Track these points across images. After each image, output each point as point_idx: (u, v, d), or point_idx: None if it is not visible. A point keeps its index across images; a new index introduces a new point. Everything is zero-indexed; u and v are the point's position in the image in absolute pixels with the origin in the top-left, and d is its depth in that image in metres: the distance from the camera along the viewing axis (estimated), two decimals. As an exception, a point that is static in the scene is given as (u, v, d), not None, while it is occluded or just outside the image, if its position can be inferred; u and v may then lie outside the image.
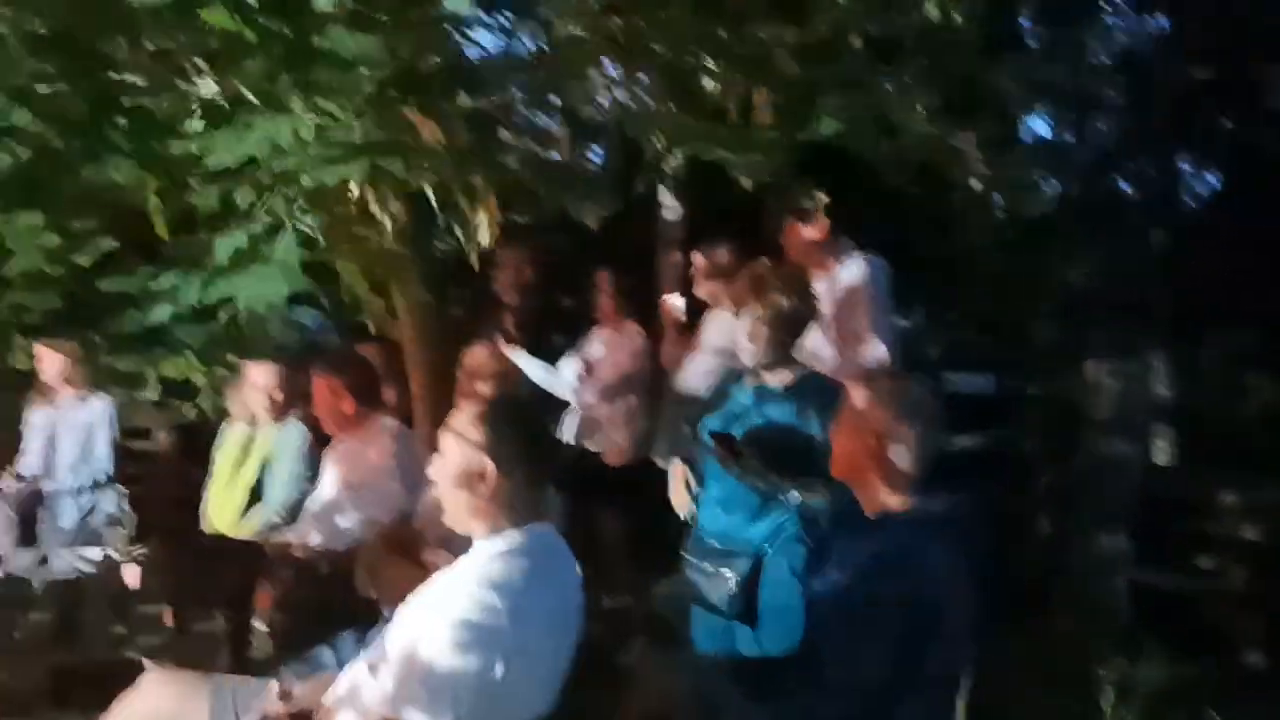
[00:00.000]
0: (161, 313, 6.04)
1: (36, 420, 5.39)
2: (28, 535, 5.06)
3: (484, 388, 2.94)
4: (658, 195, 6.89)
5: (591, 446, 5.01)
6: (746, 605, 3.05)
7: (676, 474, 3.19)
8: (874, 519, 2.49)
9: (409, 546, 2.99)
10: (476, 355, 3.41)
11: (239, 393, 4.68)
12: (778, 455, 3.06)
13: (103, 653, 2.84)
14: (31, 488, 5.17)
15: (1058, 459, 5.89)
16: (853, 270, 3.98)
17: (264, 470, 4.57)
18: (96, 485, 5.25)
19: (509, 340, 4.93)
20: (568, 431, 5.04)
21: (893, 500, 2.47)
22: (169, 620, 3.17)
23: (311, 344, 7.36)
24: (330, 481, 4.23)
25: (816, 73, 3.04)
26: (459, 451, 2.22)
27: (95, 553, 3.74)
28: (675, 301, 4.80)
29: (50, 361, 5.28)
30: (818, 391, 3.12)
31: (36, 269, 5.57)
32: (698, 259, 4.70)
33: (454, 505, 2.25)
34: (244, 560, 3.42)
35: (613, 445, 4.96)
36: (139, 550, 3.53)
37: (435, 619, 2.08)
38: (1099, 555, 5.15)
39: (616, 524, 4.98)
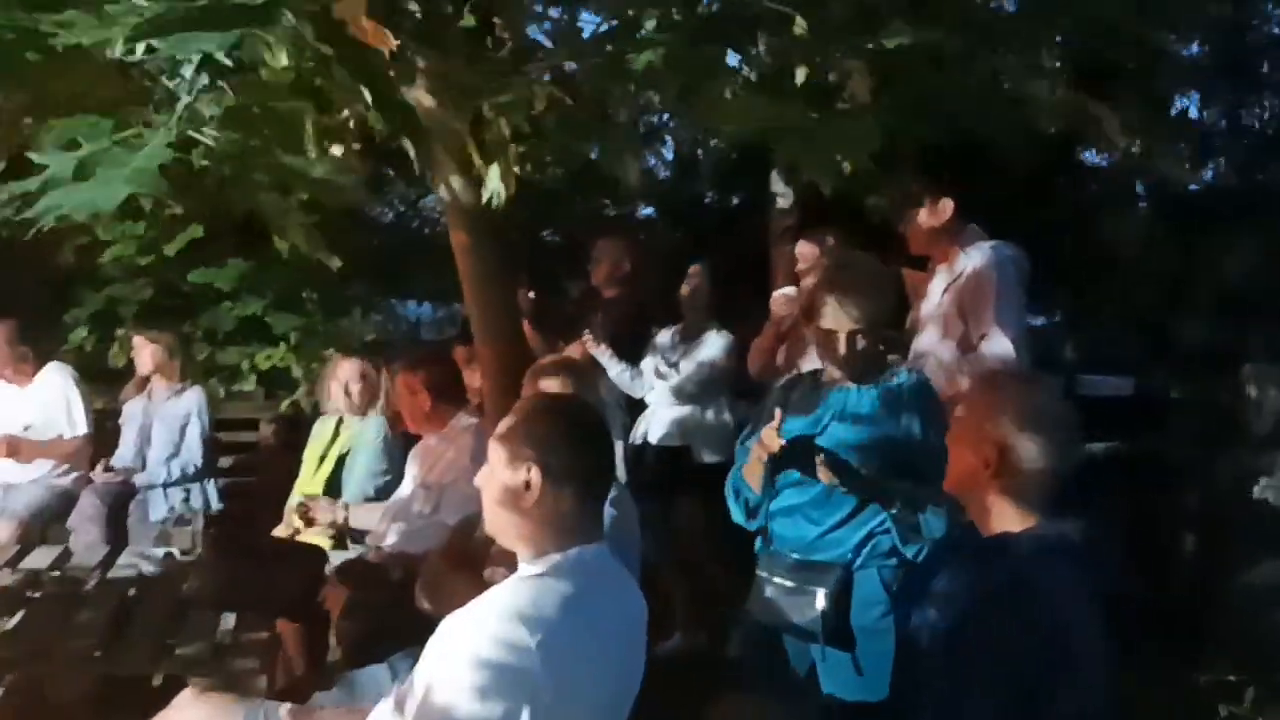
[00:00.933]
0: (254, 304, 6.04)
1: (130, 412, 5.34)
2: (119, 528, 5.05)
3: (545, 386, 2.64)
4: (769, 183, 6.56)
5: (674, 442, 4.73)
6: (839, 625, 2.69)
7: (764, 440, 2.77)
8: (990, 541, 2.11)
9: (472, 559, 2.70)
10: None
11: (326, 385, 4.53)
12: (868, 462, 2.69)
13: (148, 663, 2.61)
14: (123, 479, 5.12)
15: (1206, 473, 5.30)
16: (976, 258, 3.57)
17: (343, 464, 4.41)
18: (187, 478, 5.17)
19: (595, 336, 4.66)
20: (647, 430, 4.74)
21: (1013, 520, 2.09)
22: (223, 629, 2.93)
23: (413, 338, 7.28)
24: (409, 480, 4.03)
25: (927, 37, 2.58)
26: (504, 458, 1.93)
27: (158, 551, 3.57)
28: (788, 294, 4.42)
29: (147, 353, 5.21)
30: (916, 392, 2.74)
31: (129, 258, 5.57)
32: (802, 249, 4.34)
33: (498, 522, 1.97)
34: (307, 565, 3.20)
35: (700, 443, 4.68)
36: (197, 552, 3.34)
37: (454, 655, 1.79)
38: (1258, 586, 4.59)
39: (708, 532, 4.67)
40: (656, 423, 4.77)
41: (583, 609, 1.84)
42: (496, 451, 1.95)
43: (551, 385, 2.67)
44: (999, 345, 3.48)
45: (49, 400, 5.29)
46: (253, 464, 6.45)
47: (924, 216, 3.62)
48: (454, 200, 2.94)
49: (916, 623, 2.26)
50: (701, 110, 2.41)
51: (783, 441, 2.64)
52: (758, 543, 2.89)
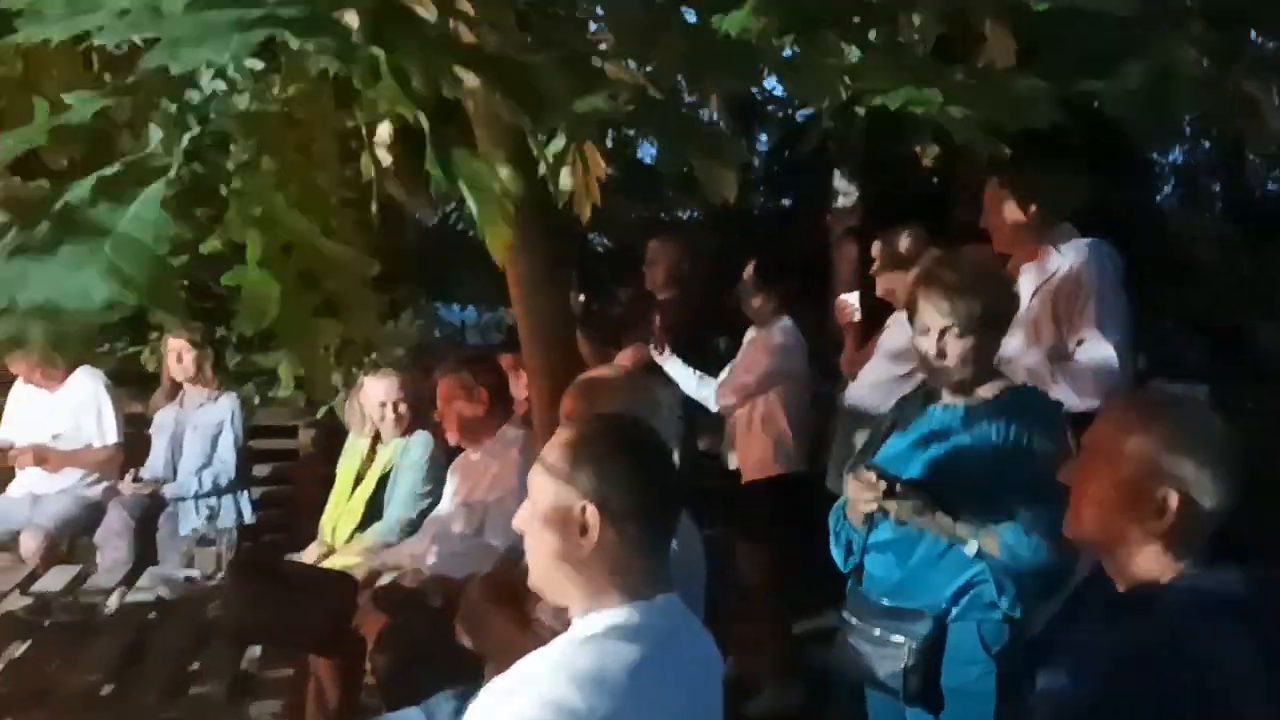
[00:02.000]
0: (291, 308, 5.73)
1: (161, 421, 5.11)
2: (148, 543, 4.81)
3: (598, 404, 2.34)
4: (831, 180, 6.24)
5: (730, 462, 4.39)
6: (926, 684, 2.35)
7: (859, 486, 2.43)
8: (1134, 595, 1.78)
9: (517, 593, 2.41)
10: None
11: (357, 405, 4.23)
12: (965, 496, 2.35)
13: (159, 705, 2.34)
14: (152, 491, 4.89)
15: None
16: (1071, 256, 3.23)
17: (385, 484, 4.13)
18: (220, 490, 4.93)
19: (660, 342, 4.35)
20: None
21: (1163, 568, 1.75)
22: (248, 660, 2.65)
23: (458, 344, 7.01)
24: (449, 496, 3.75)
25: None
26: (551, 494, 1.62)
27: (179, 574, 3.31)
28: (850, 300, 4.09)
29: (179, 358, 4.96)
30: (1031, 411, 2.40)
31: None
32: (876, 249, 4.01)
33: (545, 571, 1.65)
34: (338, 594, 2.92)
35: (750, 458, 4.32)
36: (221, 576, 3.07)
37: (503, 722, 1.49)
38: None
39: (755, 556, 4.34)
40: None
41: (653, 674, 1.53)
42: (542, 485, 1.64)
43: (602, 402, 2.37)
44: (1100, 352, 3.14)
45: (79, 407, 5.07)
46: (291, 473, 6.22)
47: (1009, 211, 3.28)
48: (500, 194, 2.63)
49: (1030, 688, 1.93)
50: (819, 77, 2.05)
51: (875, 487, 2.33)
52: (849, 581, 2.56)
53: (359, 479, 4.19)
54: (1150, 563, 1.76)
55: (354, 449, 4.30)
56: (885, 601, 2.41)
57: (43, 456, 4.96)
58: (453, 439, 3.73)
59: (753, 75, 2.51)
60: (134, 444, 5.19)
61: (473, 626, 2.44)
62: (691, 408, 4.51)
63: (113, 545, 4.70)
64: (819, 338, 4.82)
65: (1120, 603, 1.79)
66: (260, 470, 6.94)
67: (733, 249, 5.78)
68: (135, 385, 5.79)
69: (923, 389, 2.58)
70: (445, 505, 3.75)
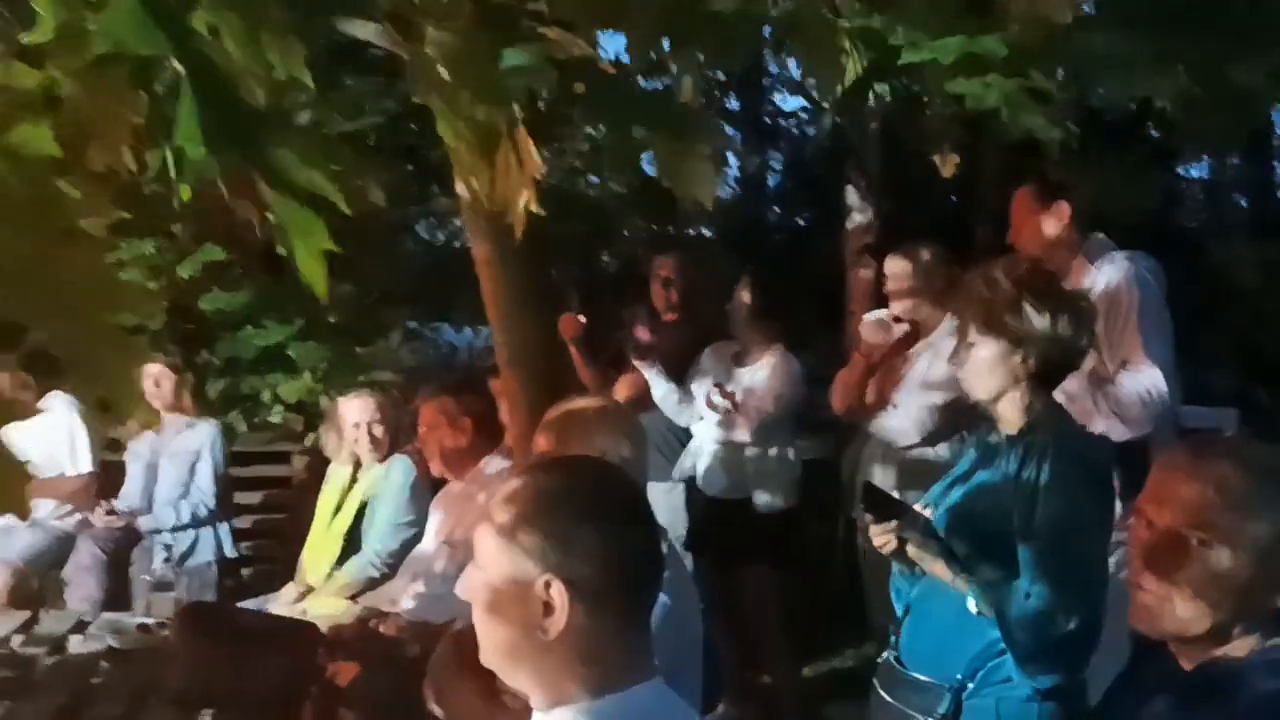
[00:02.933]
0: (277, 332, 5.54)
1: (137, 448, 4.84)
2: (121, 579, 4.55)
3: (576, 441, 2.05)
4: (844, 196, 5.96)
5: (734, 494, 4.07)
6: None
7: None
8: (1197, 672, 1.49)
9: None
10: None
11: (334, 431, 3.96)
12: (982, 543, 2.06)
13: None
14: (125, 523, 4.61)
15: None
16: (1110, 273, 2.95)
17: (364, 515, 3.86)
18: (198, 522, 4.66)
19: (641, 354, 4.06)
20: (704, 472, 4.12)
21: (1236, 640, 1.46)
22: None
23: (445, 368, 6.74)
24: (432, 533, 3.47)
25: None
26: (505, 564, 1.32)
27: (131, 621, 3.04)
28: (881, 318, 3.74)
29: (165, 384, 4.70)
30: (1065, 443, 2.10)
31: (138, 281, 5.08)
32: (894, 266, 3.71)
33: (499, 654, 1.34)
34: (296, 648, 2.63)
35: (765, 493, 4.01)
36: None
37: None
38: None
39: (770, 594, 4.04)
40: (709, 465, 4.15)
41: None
42: (493, 551, 1.34)
43: (581, 439, 2.09)
44: (1147, 377, 2.85)
45: (51, 433, 4.81)
46: (283, 500, 5.95)
47: (1045, 222, 3.01)
48: (473, 202, 2.37)
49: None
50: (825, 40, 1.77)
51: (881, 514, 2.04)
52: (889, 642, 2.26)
53: (338, 509, 3.93)
54: (1222, 633, 1.47)
55: (335, 477, 4.03)
56: (911, 671, 2.11)
57: (13, 486, 4.69)
58: (435, 469, 3.46)
59: (749, 47, 2.22)
60: (113, 473, 4.94)
61: (439, 692, 2.15)
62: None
63: (82, 581, 4.43)
64: (833, 362, 4.53)
65: (1186, 684, 1.50)
66: (251, 498, 6.72)
67: (741, 269, 5.51)
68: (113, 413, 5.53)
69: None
70: (427, 542, 3.48)
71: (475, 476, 3.36)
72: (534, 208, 1.80)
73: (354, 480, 3.96)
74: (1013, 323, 2.09)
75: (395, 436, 3.88)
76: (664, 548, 2.17)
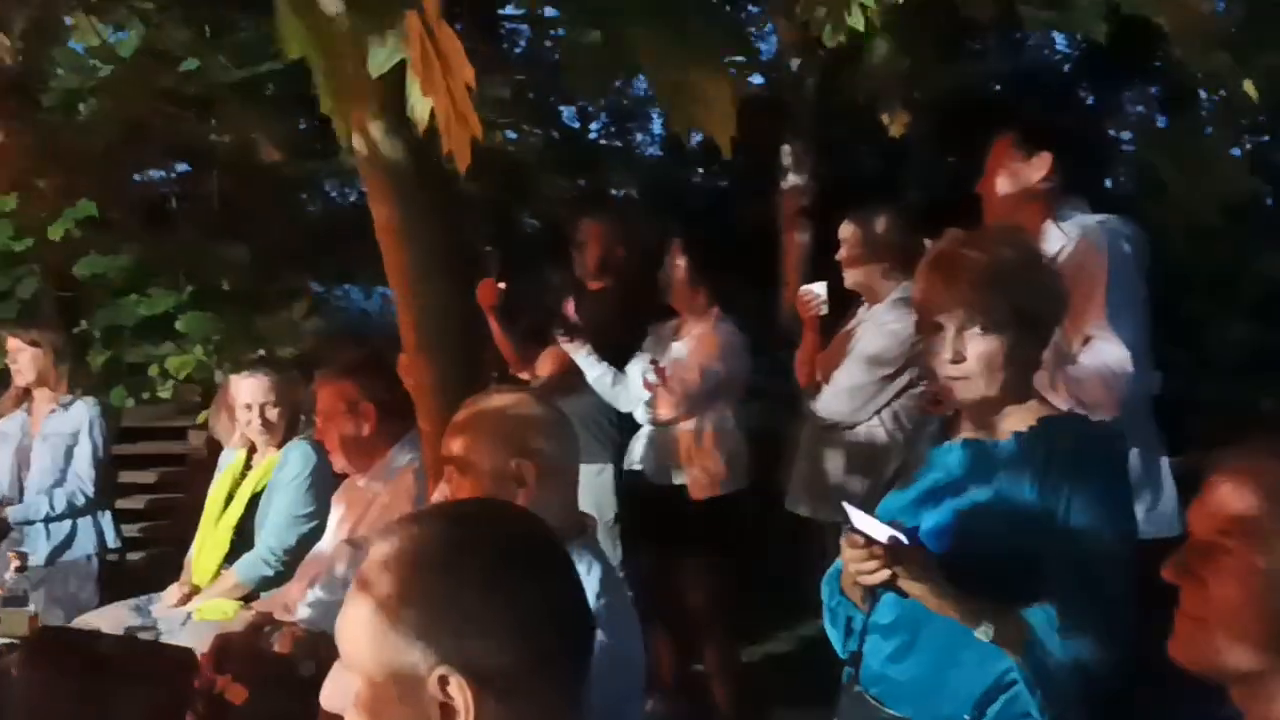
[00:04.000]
0: (164, 300, 5.06)
1: (6, 430, 4.34)
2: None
3: (490, 445, 1.70)
4: (779, 157, 5.66)
5: (673, 478, 3.78)
6: None
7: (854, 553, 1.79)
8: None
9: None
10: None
11: (224, 411, 3.56)
12: (982, 568, 1.75)
13: None
14: (-10, 514, 4.14)
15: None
16: (1074, 234, 2.67)
17: (258, 506, 3.47)
18: (76, 511, 4.20)
19: (570, 333, 3.72)
20: (640, 457, 3.83)
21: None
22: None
23: (358, 337, 6.29)
24: (332, 531, 3.10)
25: None
26: (383, 653, 0.99)
27: (-26, 644, 2.61)
28: (816, 290, 3.46)
29: (25, 357, 4.21)
30: (1081, 451, 1.80)
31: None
32: (848, 232, 3.40)
33: None
34: (167, 677, 2.25)
35: (699, 475, 3.71)
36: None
37: None
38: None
39: (705, 580, 3.76)
40: (643, 447, 3.84)
41: None
42: (370, 637, 1.00)
43: (495, 442, 1.74)
44: (1110, 353, 2.55)
45: (-97, 414, 4.31)
46: (180, 479, 5.50)
47: (1011, 174, 2.71)
48: (370, 155, 1.99)
49: None
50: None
51: (867, 540, 1.71)
52: (845, 672, 1.94)
53: (229, 500, 3.54)
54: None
55: (227, 464, 3.64)
56: (890, 709, 1.79)
57: None
58: (336, 464, 3.07)
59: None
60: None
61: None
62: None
63: (-62, 582, 3.96)
64: (763, 333, 4.24)
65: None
66: (145, 477, 6.25)
67: (672, 231, 5.18)
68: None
69: (937, 425, 1.97)
70: (327, 540, 3.10)
71: (379, 469, 2.98)
72: (476, 132, 1.42)
73: (247, 467, 3.57)
74: (1000, 307, 1.78)
75: (293, 420, 3.50)
76: (595, 581, 1.85)
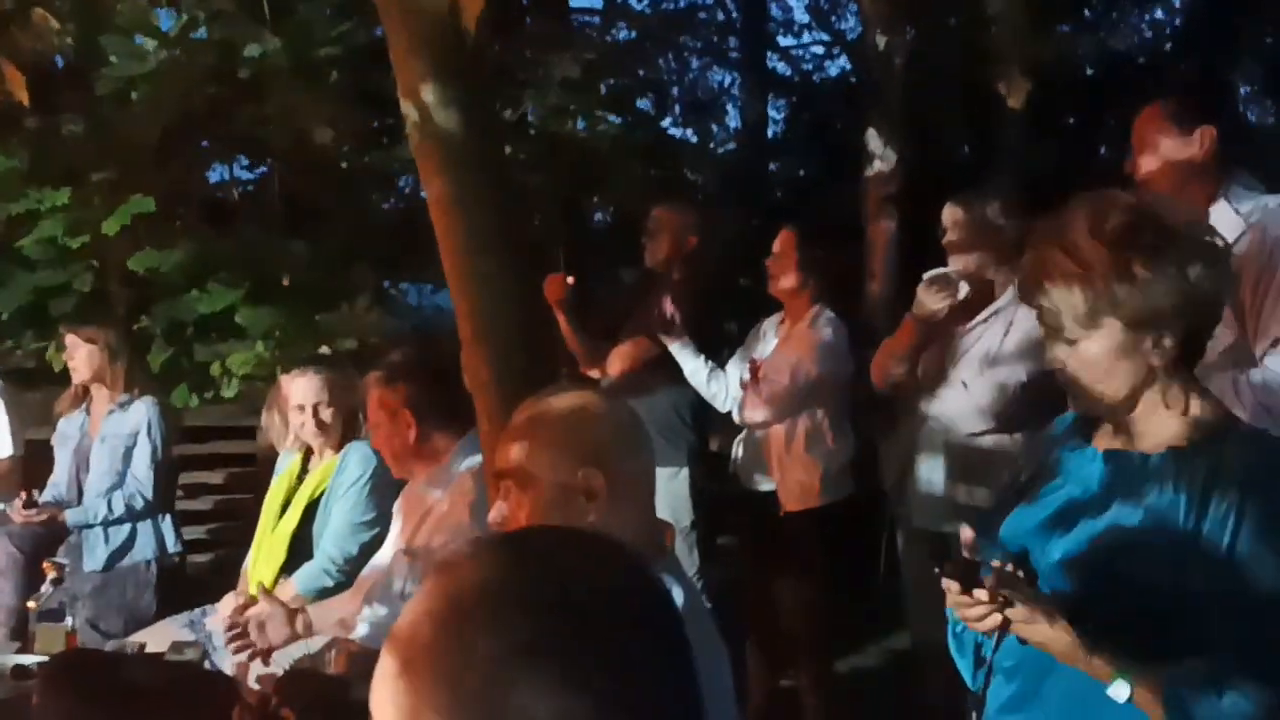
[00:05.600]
0: (224, 296, 4.90)
1: (65, 430, 4.22)
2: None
3: (551, 456, 1.46)
4: (864, 141, 5.35)
5: (762, 484, 3.55)
6: None
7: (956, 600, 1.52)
8: None
9: None
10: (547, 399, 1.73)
11: (277, 413, 3.38)
12: (1138, 610, 1.46)
13: None
14: (47, 517, 4.01)
15: None
16: (1260, 218, 2.31)
17: (316, 513, 3.28)
18: (133, 514, 4.05)
19: (667, 328, 3.48)
20: (735, 459, 3.62)
21: None
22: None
23: (424, 333, 6.11)
24: (393, 543, 2.89)
25: None
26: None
27: (5, 662, 2.44)
28: (944, 274, 3.08)
29: (82, 355, 4.08)
30: (1266, 461, 1.49)
31: (52, 238, 4.45)
32: (954, 216, 3.06)
33: None
34: (202, 704, 2.05)
35: (793, 483, 3.47)
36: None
37: None
38: None
39: (796, 592, 3.50)
40: (738, 451, 3.62)
41: None
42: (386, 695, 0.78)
43: (556, 452, 1.49)
44: None
45: (-35, 414, 4.21)
46: (250, 479, 5.36)
47: (1170, 150, 2.38)
48: (422, 123, 1.76)
49: None
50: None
51: (963, 581, 1.43)
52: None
53: (286, 506, 3.35)
54: None
55: (283, 468, 3.46)
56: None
57: (-78, 475, 4.10)
58: (393, 470, 2.86)
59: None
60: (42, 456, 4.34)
61: None
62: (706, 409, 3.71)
63: (-3, 588, 3.84)
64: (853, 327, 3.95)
65: None
66: (212, 477, 6.15)
67: (750, 221, 4.90)
68: (52, 385, 4.92)
69: (1075, 426, 1.68)
70: (386, 552, 2.89)
71: (438, 474, 2.76)
72: None
73: (304, 472, 3.39)
74: (1124, 294, 1.47)
75: (350, 420, 3.29)
76: (680, 605, 1.60)
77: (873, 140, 5.32)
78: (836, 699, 3.68)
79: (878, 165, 5.33)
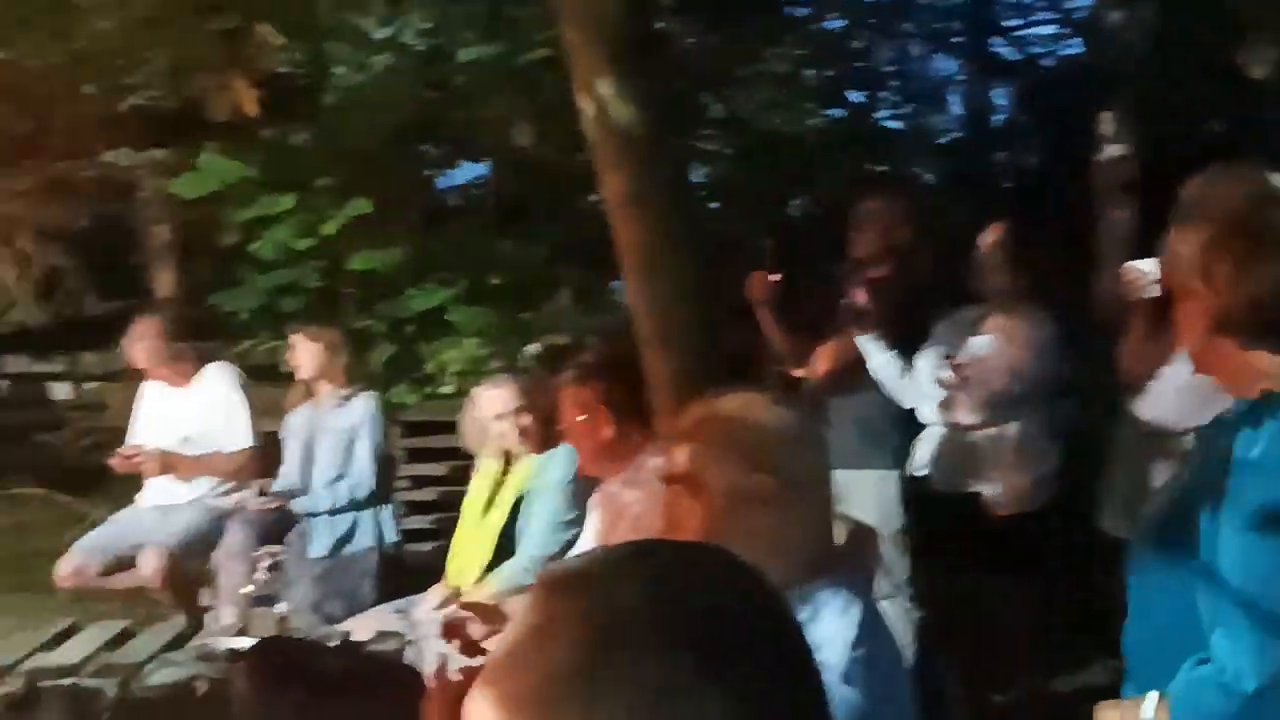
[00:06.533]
0: (438, 295, 5.06)
1: (295, 424, 4.45)
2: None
3: (724, 459, 1.39)
4: (1097, 125, 5.01)
5: (966, 487, 3.38)
6: None
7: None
8: None
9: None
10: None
11: (473, 424, 3.46)
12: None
13: None
14: (278, 505, 4.23)
15: None
16: None
17: (519, 513, 3.33)
18: (356, 504, 4.23)
19: (858, 321, 3.35)
20: (930, 463, 3.43)
21: None
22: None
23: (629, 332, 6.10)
24: (588, 544, 2.89)
25: None
26: None
27: (221, 644, 2.56)
28: (1144, 268, 2.89)
29: (306, 353, 4.29)
30: None
31: (283, 241, 4.70)
32: (1195, 194, 2.81)
33: None
34: (393, 697, 2.08)
35: (1001, 490, 3.31)
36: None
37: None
38: None
39: (1007, 604, 3.31)
40: (934, 453, 3.43)
41: None
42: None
43: (720, 460, 1.41)
44: None
45: (209, 407, 4.49)
46: (471, 472, 5.53)
47: None
48: (599, 117, 1.73)
49: None
50: None
51: None
52: None
53: (489, 505, 3.42)
54: None
55: (485, 469, 3.53)
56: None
57: (170, 463, 4.40)
58: (586, 469, 2.86)
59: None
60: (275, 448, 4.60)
61: None
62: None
63: (231, 569, 4.07)
64: (1077, 322, 3.71)
65: None
66: (435, 470, 6.39)
67: (968, 214, 4.67)
68: (285, 381, 5.23)
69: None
70: (580, 550, 2.90)
71: (631, 475, 2.73)
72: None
73: (505, 473, 3.44)
74: None
75: (548, 422, 3.32)
76: (851, 625, 1.51)
77: (1106, 124, 4.99)
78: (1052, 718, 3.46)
79: (1111, 150, 5.00)
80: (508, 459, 3.45)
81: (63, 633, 2.83)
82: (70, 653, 2.65)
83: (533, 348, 4.67)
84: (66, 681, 2.33)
